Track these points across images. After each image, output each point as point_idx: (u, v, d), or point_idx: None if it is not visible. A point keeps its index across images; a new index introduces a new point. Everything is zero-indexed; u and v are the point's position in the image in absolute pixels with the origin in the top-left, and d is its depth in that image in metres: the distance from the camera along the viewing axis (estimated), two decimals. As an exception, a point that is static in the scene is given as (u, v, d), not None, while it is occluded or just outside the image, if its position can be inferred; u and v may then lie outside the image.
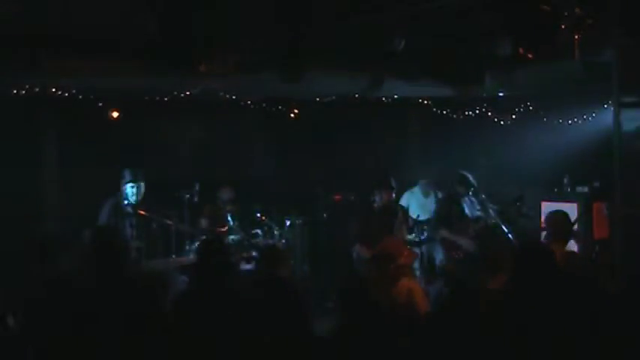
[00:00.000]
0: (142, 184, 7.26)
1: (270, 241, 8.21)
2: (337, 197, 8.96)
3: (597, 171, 8.60)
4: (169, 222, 7.37)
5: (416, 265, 7.81)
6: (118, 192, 7.26)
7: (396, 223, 7.66)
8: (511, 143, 9.98)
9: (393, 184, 7.89)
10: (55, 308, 3.98)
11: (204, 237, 7.26)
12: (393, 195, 7.95)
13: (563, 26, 6.51)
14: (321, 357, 3.82)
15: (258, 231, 8.38)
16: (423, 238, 8.27)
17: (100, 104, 8.47)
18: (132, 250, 6.96)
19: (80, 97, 8.38)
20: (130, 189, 7.20)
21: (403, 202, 8.74)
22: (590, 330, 3.76)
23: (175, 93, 8.74)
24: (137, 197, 7.23)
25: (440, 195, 8.64)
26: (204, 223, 7.86)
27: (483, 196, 8.25)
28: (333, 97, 9.53)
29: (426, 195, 8.85)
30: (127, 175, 7.27)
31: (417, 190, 8.87)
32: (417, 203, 8.69)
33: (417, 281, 5.96)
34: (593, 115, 9.71)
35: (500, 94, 9.60)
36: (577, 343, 3.72)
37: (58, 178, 8.68)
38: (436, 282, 8.33)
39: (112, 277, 4.14)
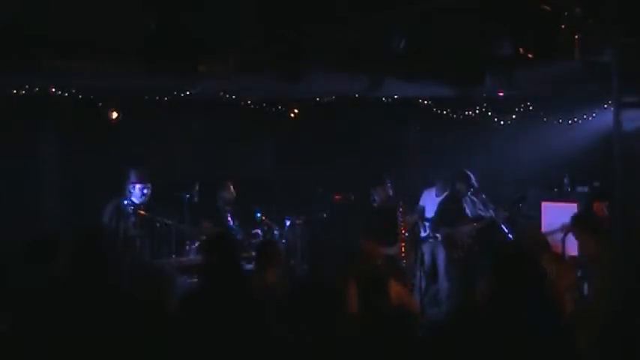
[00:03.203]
0: (150, 186, 7.29)
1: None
2: (337, 197, 8.95)
3: (597, 171, 8.61)
4: (169, 222, 7.38)
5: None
6: (119, 192, 7.27)
7: (397, 220, 7.68)
8: (511, 143, 9.98)
9: (389, 182, 7.90)
10: (56, 307, 3.97)
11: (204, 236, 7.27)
12: (390, 192, 7.96)
13: (563, 26, 6.51)
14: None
15: (258, 231, 8.37)
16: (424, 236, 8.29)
17: (100, 104, 8.48)
18: (134, 249, 6.99)
19: (80, 97, 8.38)
20: (138, 190, 7.22)
21: (421, 201, 8.73)
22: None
23: (175, 93, 8.74)
24: (145, 198, 7.25)
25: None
26: (206, 223, 7.86)
27: (484, 195, 8.25)
28: (333, 97, 9.53)
29: (441, 195, 8.78)
30: (134, 175, 7.29)
31: (433, 189, 8.83)
32: (432, 203, 8.65)
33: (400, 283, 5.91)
34: (593, 115, 9.72)
35: (501, 94, 9.60)
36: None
37: (58, 179, 8.68)
38: (439, 280, 8.36)
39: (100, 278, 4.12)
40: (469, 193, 8.20)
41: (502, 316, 3.75)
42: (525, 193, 8.32)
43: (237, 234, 8.11)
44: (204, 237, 7.41)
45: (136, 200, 7.22)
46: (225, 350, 3.89)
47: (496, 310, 3.81)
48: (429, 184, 8.85)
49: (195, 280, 5.90)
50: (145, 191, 7.26)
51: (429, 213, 8.50)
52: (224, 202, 8.23)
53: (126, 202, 7.21)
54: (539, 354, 3.65)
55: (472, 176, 8.21)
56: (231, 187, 8.29)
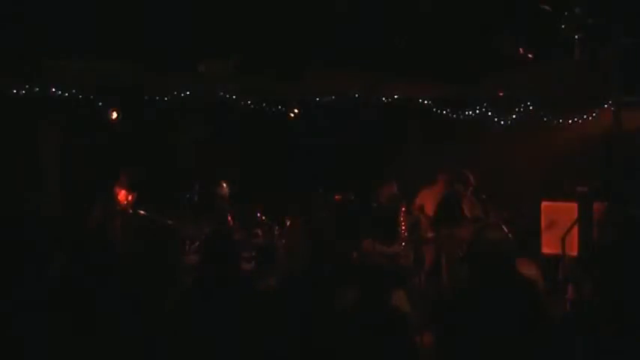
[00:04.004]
0: (135, 194, 7.31)
1: (270, 242, 8.21)
2: (337, 197, 8.94)
3: (597, 171, 8.60)
4: (169, 222, 7.38)
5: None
6: (113, 192, 7.28)
7: (399, 221, 7.67)
8: (511, 143, 9.97)
9: (394, 182, 7.90)
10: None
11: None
12: (396, 191, 7.95)
13: (563, 26, 6.52)
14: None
15: (258, 231, 8.37)
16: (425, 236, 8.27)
17: (100, 104, 8.47)
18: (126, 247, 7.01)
19: (80, 97, 8.38)
20: (122, 196, 7.26)
21: (419, 201, 8.67)
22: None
23: (175, 93, 8.74)
24: (127, 204, 7.27)
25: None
26: (206, 223, 7.85)
27: (484, 196, 8.24)
28: (333, 97, 9.52)
29: (440, 195, 8.67)
30: (121, 179, 7.32)
31: (432, 189, 8.77)
32: (431, 202, 8.57)
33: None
34: (593, 115, 9.71)
35: (501, 94, 9.60)
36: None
37: (58, 178, 8.68)
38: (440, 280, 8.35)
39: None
40: (468, 194, 8.19)
41: (478, 315, 3.74)
42: (522, 193, 8.32)
43: (237, 233, 8.11)
44: (204, 237, 7.42)
45: (120, 202, 7.26)
46: (218, 349, 3.89)
47: (472, 309, 3.81)
48: (427, 184, 8.82)
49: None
50: (130, 198, 7.28)
51: (431, 212, 8.48)
52: (220, 199, 8.23)
53: (124, 203, 7.23)
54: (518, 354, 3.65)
55: (471, 176, 8.19)
56: (224, 184, 8.29)
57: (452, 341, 3.70)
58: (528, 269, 6.41)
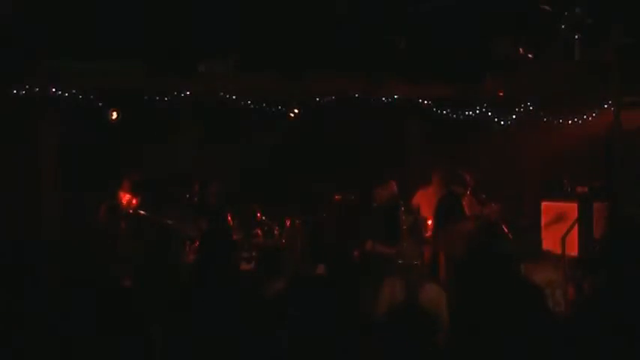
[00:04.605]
0: (139, 198, 7.34)
1: (270, 242, 8.20)
2: (337, 197, 8.95)
3: (597, 171, 8.60)
4: (169, 222, 7.39)
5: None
6: (115, 193, 7.31)
7: (399, 220, 7.66)
8: (511, 143, 9.97)
9: (393, 182, 7.88)
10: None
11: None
12: (395, 191, 7.94)
13: (563, 26, 6.52)
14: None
15: (258, 231, 8.37)
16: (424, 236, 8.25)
17: (100, 104, 8.48)
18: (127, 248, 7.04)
19: (80, 97, 8.39)
20: (126, 201, 7.29)
21: (415, 200, 8.63)
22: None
23: (175, 93, 8.74)
24: (130, 207, 7.31)
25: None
26: (202, 223, 7.86)
27: (484, 195, 8.24)
28: (333, 97, 9.52)
29: (438, 194, 8.63)
30: (125, 184, 7.34)
31: (430, 189, 8.74)
32: (429, 202, 8.52)
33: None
34: (593, 115, 9.72)
35: (501, 94, 9.60)
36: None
37: (58, 178, 8.68)
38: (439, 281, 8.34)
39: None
40: (467, 194, 8.18)
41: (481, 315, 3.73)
42: (523, 193, 8.32)
43: (237, 233, 8.11)
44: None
45: (125, 206, 7.30)
46: (218, 349, 3.89)
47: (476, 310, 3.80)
48: (425, 184, 8.81)
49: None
50: (134, 202, 7.33)
51: (426, 212, 8.46)
52: (219, 199, 8.24)
53: (124, 204, 7.26)
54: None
55: (469, 176, 8.17)
56: (223, 184, 8.30)
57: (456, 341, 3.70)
58: (543, 273, 6.43)
